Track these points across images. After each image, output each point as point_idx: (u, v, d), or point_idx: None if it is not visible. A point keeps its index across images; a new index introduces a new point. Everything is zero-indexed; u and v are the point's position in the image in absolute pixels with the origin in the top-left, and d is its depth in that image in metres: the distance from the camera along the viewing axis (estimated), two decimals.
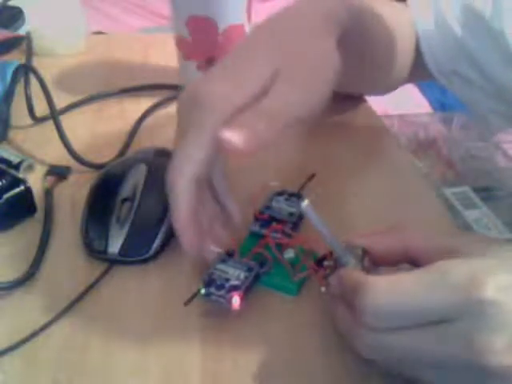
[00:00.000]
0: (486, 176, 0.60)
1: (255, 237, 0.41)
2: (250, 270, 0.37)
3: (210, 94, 0.36)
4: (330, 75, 0.39)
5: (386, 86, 0.53)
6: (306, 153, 0.55)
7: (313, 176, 0.47)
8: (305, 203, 0.33)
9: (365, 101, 0.59)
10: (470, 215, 0.54)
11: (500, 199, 0.58)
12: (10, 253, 0.41)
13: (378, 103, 0.61)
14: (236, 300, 0.35)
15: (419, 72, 0.53)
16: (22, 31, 0.69)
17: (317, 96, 0.39)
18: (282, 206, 0.43)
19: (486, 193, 0.57)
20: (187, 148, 0.36)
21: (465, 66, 0.50)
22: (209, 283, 0.36)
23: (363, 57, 0.47)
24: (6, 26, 0.68)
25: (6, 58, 0.63)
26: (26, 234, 0.43)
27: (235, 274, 0.37)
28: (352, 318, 0.32)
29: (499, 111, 0.52)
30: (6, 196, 0.43)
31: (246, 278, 0.37)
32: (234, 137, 0.33)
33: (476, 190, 0.57)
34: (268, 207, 0.43)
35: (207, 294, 0.36)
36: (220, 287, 0.36)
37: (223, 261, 0.38)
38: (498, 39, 0.47)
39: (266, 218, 0.42)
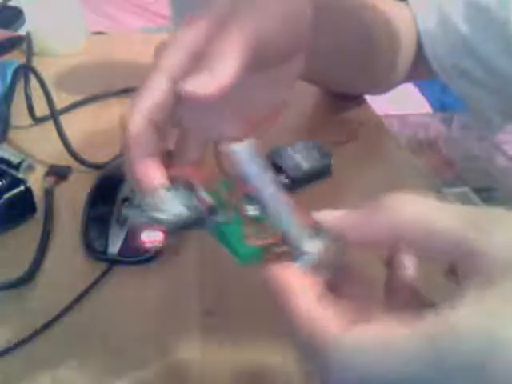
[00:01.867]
0: (486, 176, 0.60)
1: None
2: (192, 209, 0.29)
3: (170, 37, 0.33)
4: (306, 12, 0.36)
5: (388, 82, 0.53)
6: None
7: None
8: (237, 146, 0.23)
9: (364, 100, 0.59)
10: None
11: (500, 199, 0.58)
12: (10, 253, 0.41)
13: (378, 103, 0.61)
14: (149, 236, 0.31)
15: (420, 69, 0.53)
16: (22, 31, 0.69)
17: (293, 27, 0.35)
18: (293, 155, 0.36)
19: (486, 193, 0.57)
20: (142, 89, 0.33)
21: (467, 61, 0.50)
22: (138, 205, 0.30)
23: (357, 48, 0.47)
24: (5, 26, 0.68)
25: (6, 58, 0.63)
26: (26, 234, 0.43)
27: (174, 206, 0.30)
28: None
29: (500, 108, 0.52)
30: (5, 196, 0.43)
31: (181, 218, 0.29)
32: (187, 85, 0.30)
33: (476, 190, 0.57)
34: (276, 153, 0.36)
35: (132, 214, 0.30)
36: (143, 213, 0.30)
37: (172, 189, 0.31)
38: (502, 30, 0.47)
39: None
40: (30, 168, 0.50)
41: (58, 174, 0.49)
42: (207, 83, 0.29)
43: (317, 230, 0.26)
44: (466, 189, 0.57)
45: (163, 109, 0.31)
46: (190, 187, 0.30)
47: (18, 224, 0.44)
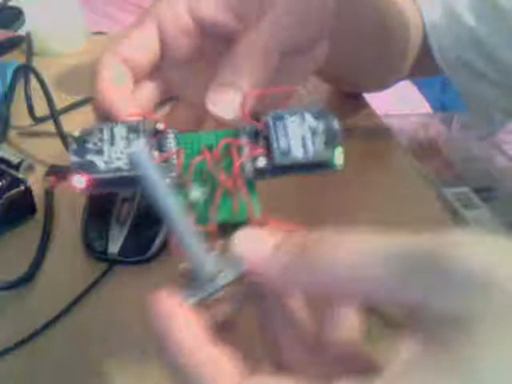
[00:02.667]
0: (486, 176, 0.60)
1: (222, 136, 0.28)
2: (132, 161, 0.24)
3: None
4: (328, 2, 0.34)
5: (400, 72, 0.53)
6: None
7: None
8: (141, 149, 0.21)
9: (366, 105, 0.59)
10: (470, 215, 0.54)
11: (500, 199, 0.58)
12: (10, 253, 0.41)
13: (378, 103, 0.61)
14: (79, 181, 0.27)
15: (423, 62, 0.52)
16: (21, 31, 0.69)
17: (317, 15, 0.33)
18: (291, 132, 0.27)
19: (486, 193, 0.57)
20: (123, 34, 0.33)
21: (472, 54, 0.50)
22: (83, 143, 0.27)
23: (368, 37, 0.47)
24: (5, 26, 0.68)
25: (6, 58, 0.63)
26: (26, 234, 0.43)
27: (116, 153, 0.27)
28: None
29: (502, 104, 0.52)
30: (5, 196, 0.43)
31: (119, 169, 0.26)
32: (213, 108, 0.29)
33: (476, 190, 0.57)
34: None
35: (74, 164, 0.26)
36: (83, 152, 0.27)
37: (132, 130, 0.27)
38: (507, 20, 0.47)
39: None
40: (30, 168, 0.50)
41: (58, 173, 0.49)
42: (233, 107, 0.29)
43: (227, 259, 0.22)
44: (465, 189, 0.57)
45: (140, 50, 0.32)
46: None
47: (18, 224, 0.44)
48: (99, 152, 0.26)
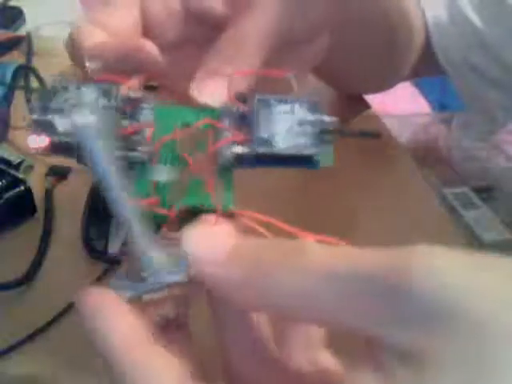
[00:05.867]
0: (486, 176, 0.60)
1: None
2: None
3: None
4: None
5: (394, 75, 0.53)
6: None
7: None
8: (88, 123, 0.18)
9: (368, 106, 0.59)
10: (470, 215, 0.54)
11: (500, 199, 0.58)
12: (10, 253, 0.41)
13: (378, 103, 0.61)
14: (34, 141, 0.24)
15: (426, 63, 0.52)
16: (21, 31, 0.69)
17: (316, 7, 0.32)
18: (278, 122, 0.25)
19: (486, 193, 0.57)
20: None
21: (478, 55, 0.50)
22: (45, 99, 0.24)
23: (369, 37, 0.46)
24: (5, 26, 0.68)
25: (6, 58, 0.63)
26: (26, 234, 0.43)
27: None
28: None
29: (504, 104, 0.52)
30: (5, 196, 0.43)
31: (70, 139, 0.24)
32: (200, 95, 0.27)
33: (476, 190, 0.57)
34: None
35: (34, 122, 0.24)
36: (45, 110, 0.24)
37: (103, 94, 0.24)
38: None
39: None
40: (30, 168, 0.50)
41: (58, 173, 0.49)
42: (220, 95, 0.27)
43: (176, 255, 0.20)
44: (465, 189, 0.57)
45: (121, 19, 0.30)
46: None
47: (18, 224, 0.44)
48: (61, 112, 0.24)
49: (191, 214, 0.23)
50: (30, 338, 0.35)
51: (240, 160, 0.24)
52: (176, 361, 0.18)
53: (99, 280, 0.39)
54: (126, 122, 0.24)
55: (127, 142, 0.24)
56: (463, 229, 0.52)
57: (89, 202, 0.44)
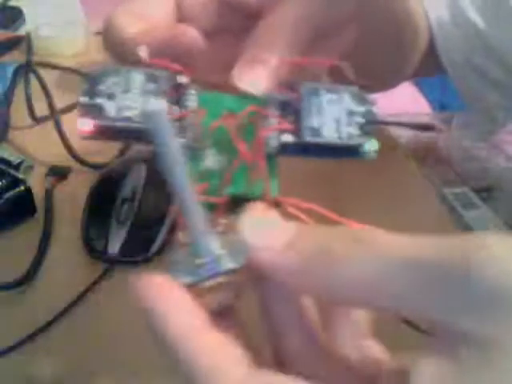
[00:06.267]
0: (486, 176, 0.60)
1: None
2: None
3: None
4: None
5: (399, 74, 0.53)
6: None
7: None
8: (159, 109, 0.18)
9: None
10: (470, 215, 0.54)
11: (500, 199, 0.58)
12: (10, 253, 0.41)
13: (378, 103, 0.60)
14: (83, 125, 0.24)
15: (428, 64, 0.52)
16: (21, 31, 0.69)
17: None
18: (325, 112, 0.25)
19: (486, 193, 0.57)
20: None
21: (480, 56, 0.50)
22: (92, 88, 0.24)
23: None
24: (5, 26, 0.68)
25: (6, 58, 0.63)
26: (26, 234, 0.43)
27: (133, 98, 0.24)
28: None
29: (505, 104, 0.52)
30: (6, 196, 0.43)
31: (130, 119, 0.23)
32: (240, 82, 0.27)
33: (476, 190, 0.56)
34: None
35: (82, 105, 0.24)
36: (93, 94, 0.24)
37: (150, 79, 0.24)
38: None
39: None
40: (30, 168, 0.50)
41: (58, 173, 0.49)
42: (262, 83, 0.27)
43: (232, 241, 0.20)
44: (465, 189, 0.57)
45: (155, 9, 0.30)
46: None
47: (18, 224, 0.44)
48: (111, 96, 0.24)
49: (234, 202, 0.23)
50: (30, 337, 0.35)
51: (285, 148, 0.24)
52: (236, 347, 0.18)
53: (99, 280, 0.39)
54: (175, 108, 0.24)
55: (176, 128, 0.23)
56: (463, 229, 0.52)
57: (89, 202, 0.44)
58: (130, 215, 0.41)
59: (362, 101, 0.25)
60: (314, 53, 0.32)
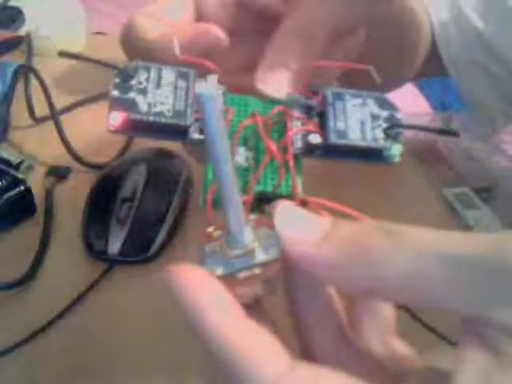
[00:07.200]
0: (486, 176, 0.60)
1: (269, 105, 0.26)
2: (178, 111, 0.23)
3: None
4: None
5: (401, 76, 0.53)
6: None
7: None
8: (211, 89, 0.17)
9: None
10: (470, 215, 0.54)
11: (500, 199, 0.58)
12: (10, 253, 0.41)
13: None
14: (115, 118, 0.25)
15: (430, 65, 0.52)
16: (21, 31, 0.69)
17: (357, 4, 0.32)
18: (351, 114, 0.26)
19: (486, 193, 0.57)
20: None
21: (482, 57, 0.50)
22: (124, 83, 0.24)
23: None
24: (5, 26, 0.68)
25: (6, 58, 0.63)
26: (26, 234, 0.43)
27: (164, 94, 0.24)
28: None
29: (507, 106, 0.52)
30: (6, 196, 0.43)
31: (162, 114, 0.24)
32: (265, 87, 0.28)
33: (476, 190, 0.56)
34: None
35: (114, 99, 0.24)
36: (126, 89, 0.24)
37: (181, 77, 0.25)
38: None
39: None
40: (30, 168, 0.50)
41: (58, 173, 0.49)
42: (283, 87, 0.28)
43: (265, 234, 0.20)
44: (465, 189, 0.57)
45: (175, 11, 0.30)
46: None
47: (18, 224, 0.44)
48: (143, 92, 0.24)
49: (261, 200, 0.23)
50: (30, 337, 0.35)
51: (313, 150, 0.25)
52: (272, 339, 0.18)
53: (99, 280, 0.39)
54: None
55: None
56: (463, 229, 0.52)
57: (89, 202, 0.44)
58: (129, 215, 0.41)
59: (386, 106, 0.26)
60: (331, 56, 0.32)
